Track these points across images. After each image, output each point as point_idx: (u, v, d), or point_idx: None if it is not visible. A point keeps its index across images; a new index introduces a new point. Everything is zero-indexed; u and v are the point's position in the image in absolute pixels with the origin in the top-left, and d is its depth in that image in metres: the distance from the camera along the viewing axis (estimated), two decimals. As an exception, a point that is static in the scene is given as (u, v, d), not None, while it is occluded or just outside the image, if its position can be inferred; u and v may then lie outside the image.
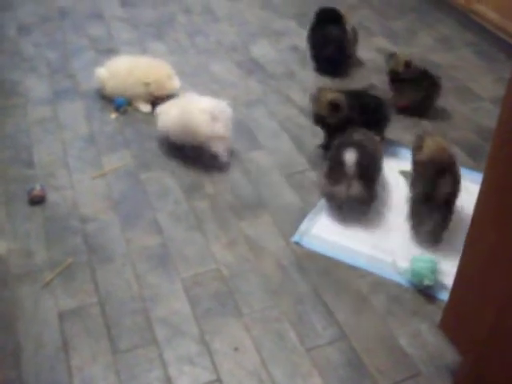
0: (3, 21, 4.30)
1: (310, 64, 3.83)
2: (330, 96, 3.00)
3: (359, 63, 3.88)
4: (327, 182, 2.74)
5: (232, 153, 3.14)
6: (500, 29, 3.92)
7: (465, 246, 2.12)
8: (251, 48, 3.97)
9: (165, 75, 3.43)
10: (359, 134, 2.83)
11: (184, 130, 3.02)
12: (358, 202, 2.75)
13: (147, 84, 3.35)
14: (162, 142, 3.17)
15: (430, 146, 2.72)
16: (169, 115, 3.08)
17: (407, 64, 3.38)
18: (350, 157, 2.67)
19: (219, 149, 3.01)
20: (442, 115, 3.43)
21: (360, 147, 2.73)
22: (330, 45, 3.66)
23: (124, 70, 3.41)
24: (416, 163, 2.77)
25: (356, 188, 2.68)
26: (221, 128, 2.98)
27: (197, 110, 3.00)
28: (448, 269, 2.48)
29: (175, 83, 3.45)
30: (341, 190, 2.69)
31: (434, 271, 2.47)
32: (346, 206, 2.79)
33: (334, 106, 2.99)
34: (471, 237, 2.07)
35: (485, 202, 1.95)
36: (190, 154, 3.09)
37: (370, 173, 2.75)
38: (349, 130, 2.87)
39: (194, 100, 3.09)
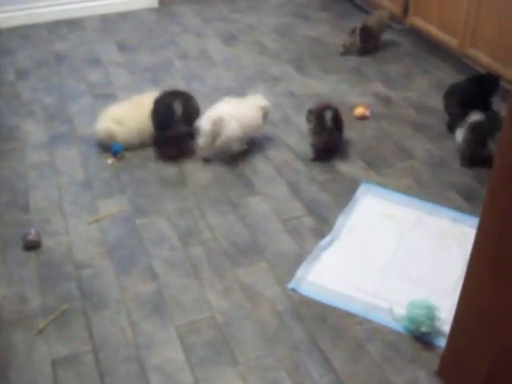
0: (2, 65, 4.34)
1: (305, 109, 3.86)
2: None
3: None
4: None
5: (228, 198, 3.15)
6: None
7: (461, 293, 2.11)
8: (248, 93, 3.99)
9: None
10: None
11: None
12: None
13: None
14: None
15: None
16: None
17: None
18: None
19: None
20: (439, 160, 3.44)
21: None
22: None
23: (130, 112, 3.46)
24: None
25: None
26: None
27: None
28: (445, 315, 2.47)
29: None
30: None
31: (431, 318, 2.45)
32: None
33: None
34: (468, 285, 2.07)
35: (481, 250, 1.95)
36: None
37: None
38: None
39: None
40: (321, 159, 3.43)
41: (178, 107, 3.36)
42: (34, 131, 3.64)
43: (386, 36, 4.74)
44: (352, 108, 3.85)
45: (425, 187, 3.25)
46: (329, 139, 3.41)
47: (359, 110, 3.82)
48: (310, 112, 3.45)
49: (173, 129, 3.40)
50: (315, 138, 3.42)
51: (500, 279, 1.88)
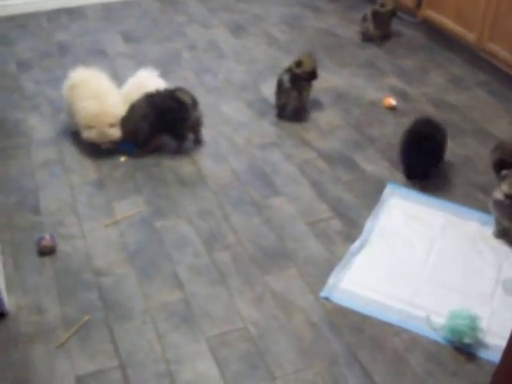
0: (2, 56, 4.14)
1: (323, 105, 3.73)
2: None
3: (372, 103, 3.78)
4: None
5: (251, 198, 3.00)
6: (513, 68, 3.85)
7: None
8: (261, 87, 3.84)
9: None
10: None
11: None
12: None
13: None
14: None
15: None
16: None
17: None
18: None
19: None
20: (464, 159, 3.32)
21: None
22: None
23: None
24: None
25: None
26: None
27: None
28: (485, 325, 2.39)
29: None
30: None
31: (474, 329, 2.34)
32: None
33: None
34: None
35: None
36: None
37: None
38: None
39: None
40: (283, 118, 3.62)
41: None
42: (39, 126, 3.46)
43: (398, 28, 4.62)
44: (373, 102, 3.77)
45: (451, 188, 3.13)
46: (288, 100, 3.55)
47: (387, 101, 3.74)
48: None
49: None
50: (276, 100, 3.60)
51: None
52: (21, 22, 4.57)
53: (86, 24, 4.60)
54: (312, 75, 3.56)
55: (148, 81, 3.35)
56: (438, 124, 3.21)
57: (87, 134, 3.19)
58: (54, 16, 4.67)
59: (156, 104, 3.20)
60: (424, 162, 3.14)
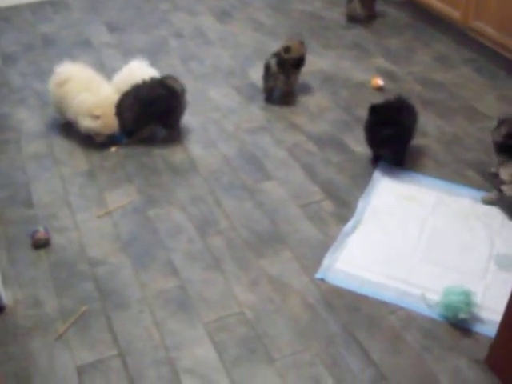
0: (-15, 50, 4.13)
1: (311, 88, 3.74)
2: None
3: (360, 84, 3.78)
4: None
5: (242, 183, 3.01)
6: (499, 45, 3.85)
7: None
8: (249, 72, 3.84)
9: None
10: None
11: None
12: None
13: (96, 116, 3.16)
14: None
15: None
16: None
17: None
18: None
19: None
20: (452, 137, 3.33)
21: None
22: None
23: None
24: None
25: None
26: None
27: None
28: (479, 300, 2.41)
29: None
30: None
31: (469, 304, 2.36)
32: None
33: None
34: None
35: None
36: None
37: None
38: None
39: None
40: (272, 102, 3.62)
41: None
42: (28, 120, 3.45)
43: (383, 8, 4.62)
44: (361, 82, 3.78)
45: (441, 166, 3.14)
46: (275, 83, 3.55)
47: (375, 82, 3.74)
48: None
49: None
50: (264, 84, 3.58)
51: None
52: (4, 15, 4.55)
53: (70, 15, 4.58)
54: (299, 62, 3.56)
55: (138, 70, 3.32)
56: (402, 106, 3.12)
57: (91, 124, 3.15)
58: (38, 8, 4.64)
59: (142, 95, 3.18)
60: (387, 147, 3.11)
